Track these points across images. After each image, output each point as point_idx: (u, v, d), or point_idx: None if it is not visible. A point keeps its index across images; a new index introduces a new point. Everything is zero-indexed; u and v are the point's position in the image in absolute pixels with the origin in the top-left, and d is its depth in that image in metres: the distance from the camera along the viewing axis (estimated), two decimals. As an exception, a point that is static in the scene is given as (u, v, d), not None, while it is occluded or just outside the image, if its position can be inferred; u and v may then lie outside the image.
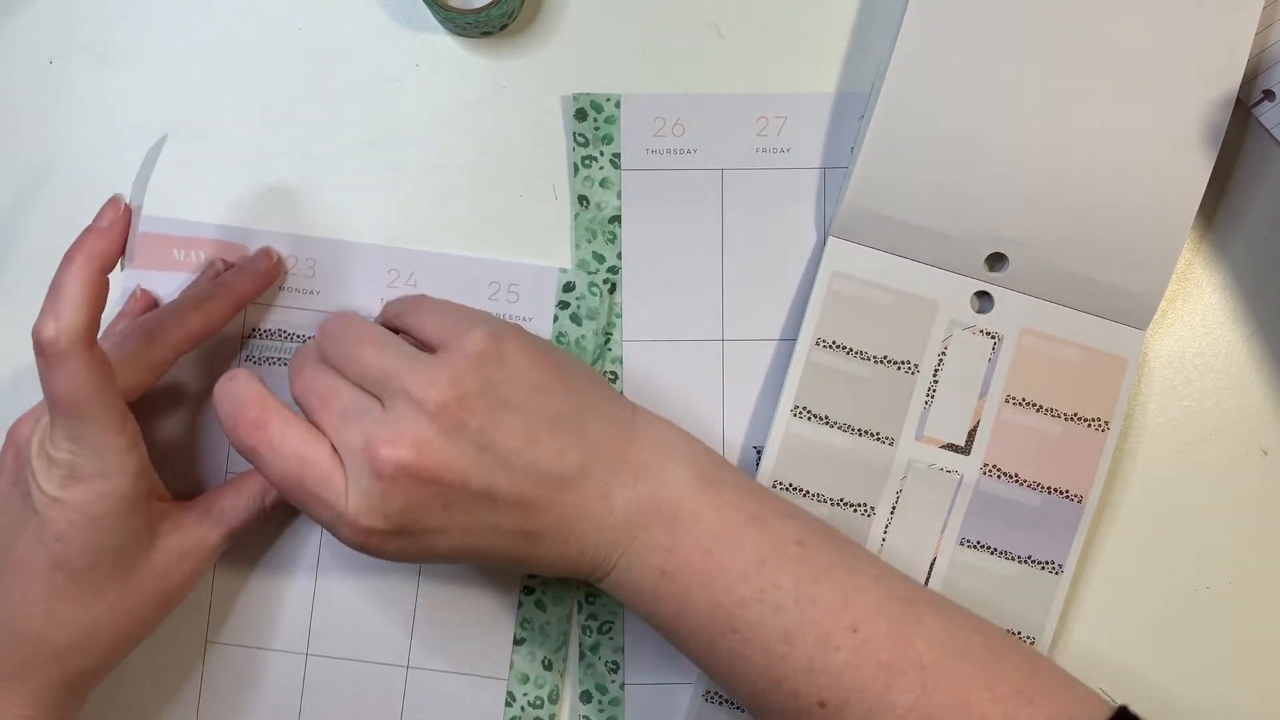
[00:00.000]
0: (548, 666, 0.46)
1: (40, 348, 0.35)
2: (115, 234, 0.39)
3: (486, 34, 0.47)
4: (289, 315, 0.47)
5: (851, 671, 0.36)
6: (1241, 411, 0.47)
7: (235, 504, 0.43)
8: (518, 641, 0.46)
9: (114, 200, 0.43)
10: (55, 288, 0.36)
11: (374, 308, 0.47)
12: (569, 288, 0.47)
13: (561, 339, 0.46)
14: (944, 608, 0.39)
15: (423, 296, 0.42)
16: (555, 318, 0.47)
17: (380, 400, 0.37)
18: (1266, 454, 0.46)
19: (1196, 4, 0.43)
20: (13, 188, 0.48)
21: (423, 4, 0.47)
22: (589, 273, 0.47)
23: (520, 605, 0.46)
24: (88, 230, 0.38)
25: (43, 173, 0.48)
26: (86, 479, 0.37)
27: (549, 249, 0.47)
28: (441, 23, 0.47)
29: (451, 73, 0.48)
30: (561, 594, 0.46)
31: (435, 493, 0.36)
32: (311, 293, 0.47)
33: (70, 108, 0.48)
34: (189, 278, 0.46)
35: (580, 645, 0.46)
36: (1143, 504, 0.46)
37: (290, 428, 0.37)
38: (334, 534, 0.38)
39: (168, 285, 0.46)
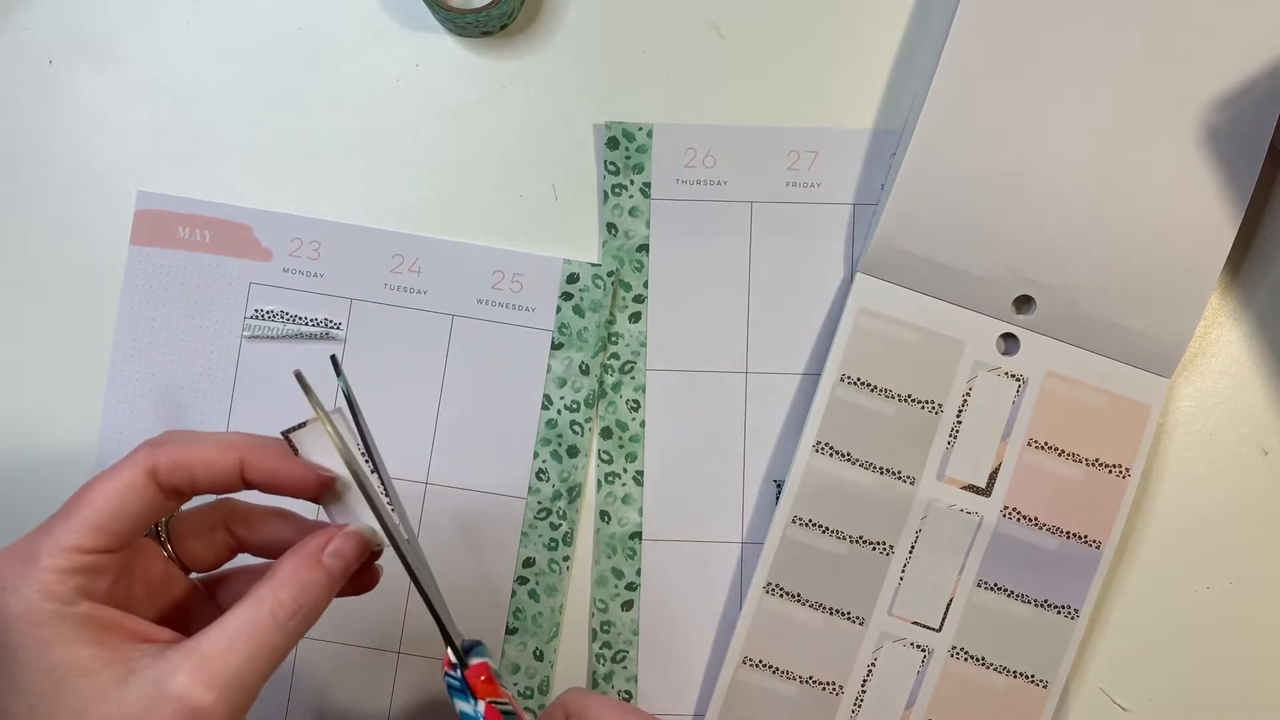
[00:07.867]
0: (539, 657, 0.46)
1: None
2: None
3: (486, 34, 0.47)
4: (291, 297, 0.47)
5: None
6: (1241, 411, 0.47)
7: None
8: (510, 631, 0.47)
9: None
10: None
11: (377, 292, 0.47)
12: (573, 279, 0.47)
13: (564, 330, 0.47)
14: None
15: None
16: (558, 309, 0.47)
17: None
18: (1267, 454, 0.47)
19: (1231, 52, 0.43)
20: (13, 187, 0.47)
21: (423, 4, 0.46)
22: (593, 264, 0.47)
23: (514, 595, 0.47)
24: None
25: (43, 172, 0.47)
26: None
27: (548, 249, 0.47)
28: (441, 23, 0.47)
29: (451, 73, 0.47)
30: (555, 586, 0.46)
31: None
32: (315, 275, 0.47)
33: (70, 108, 0.48)
34: (192, 255, 0.46)
35: (594, 675, 0.47)
36: (1143, 504, 0.47)
37: None
38: None
39: (170, 262, 0.47)
